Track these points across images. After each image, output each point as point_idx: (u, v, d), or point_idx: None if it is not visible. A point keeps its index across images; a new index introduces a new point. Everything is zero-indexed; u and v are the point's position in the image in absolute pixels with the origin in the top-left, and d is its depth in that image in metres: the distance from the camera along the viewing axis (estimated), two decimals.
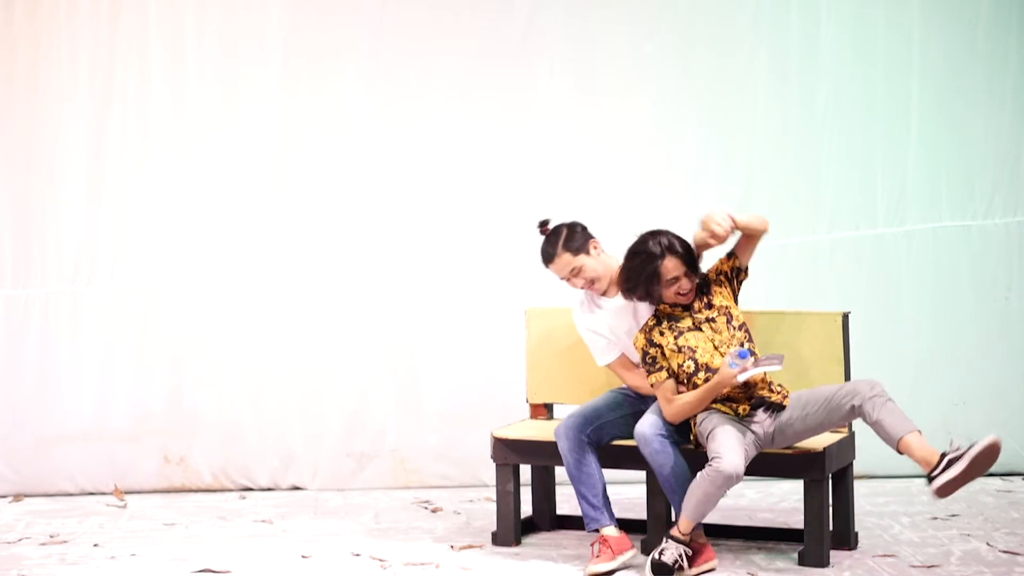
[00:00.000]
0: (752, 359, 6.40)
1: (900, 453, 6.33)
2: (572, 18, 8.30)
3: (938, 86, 8.35)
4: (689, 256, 6.54)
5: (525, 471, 7.29)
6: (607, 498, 6.78)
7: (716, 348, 6.55)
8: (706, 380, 6.51)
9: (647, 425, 6.60)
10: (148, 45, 8.28)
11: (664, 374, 6.58)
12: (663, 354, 6.60)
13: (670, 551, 6.46)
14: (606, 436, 6.83)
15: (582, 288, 6.86)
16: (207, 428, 8.35)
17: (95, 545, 7.23)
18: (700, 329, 6.58)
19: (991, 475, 8.29)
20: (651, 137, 8.33)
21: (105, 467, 8.29)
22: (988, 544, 6.97)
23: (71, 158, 8.28)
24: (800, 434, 6.57)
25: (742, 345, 6.55)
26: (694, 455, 6.64)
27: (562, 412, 7.46)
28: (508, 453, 7.08)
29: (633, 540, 6.80)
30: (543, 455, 7.08)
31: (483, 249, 8.35)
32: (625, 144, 8.35)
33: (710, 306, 6.61)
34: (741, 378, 6.38)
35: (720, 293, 6.65)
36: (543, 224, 6.97)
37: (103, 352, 8.32)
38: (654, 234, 6.57)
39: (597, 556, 6.65)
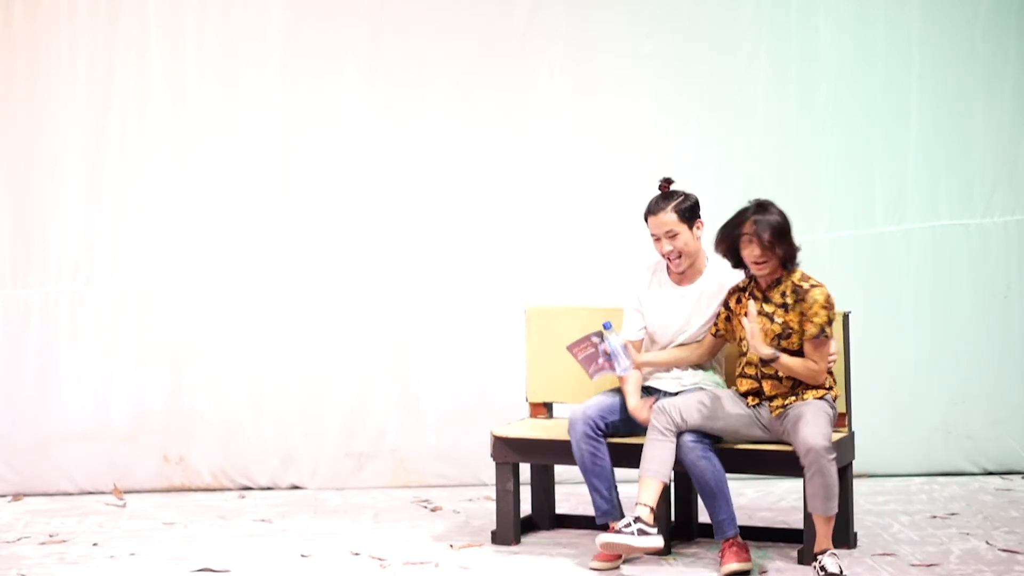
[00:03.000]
0: (608, 336, 6.64)
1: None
2: (572, 18, 8.31)
3: (937, 86, 8.35)
4: (776, 232, 6.55)
5: (525, 470, 7.29)
6: (618, 493, 6.79)
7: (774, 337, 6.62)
8: (746, 370, 6.68)
9: (690, 439, 6.63)
10: (148, 45, 8.28)
11: (711, 330, 6.77)
12: (727, 318, 6.72)
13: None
14: (620, 432, 6.83)
15: (665, 254, 6.82)
16: (206, 428, 8.35)
17: (94, 544, 7.23)
18: (769, 318, 6.62)
19: (990, 474, 8.32)
20: (651, 137, 8.34)
21: (105, 466, 8.30)
22: (987, 543, 6.97)
23: (71, 158, 8.28)
24: (786, 440, 6.68)
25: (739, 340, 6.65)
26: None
27: (562, 411, 7.46)
28: (508, 452, 7.08)
29: None
30: (543, 454, 7.08)
31: (483, 249, 8.35)
32: (625, 144, 8.35)
33: (784, 309, 6.62)
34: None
35: (795, 321, 6.62)
36: (667, 181, 6.93)
37: (103, 352, 8.32)
38: (761, 204, 6.66)
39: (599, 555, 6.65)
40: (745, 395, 6.71)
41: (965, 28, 8.34)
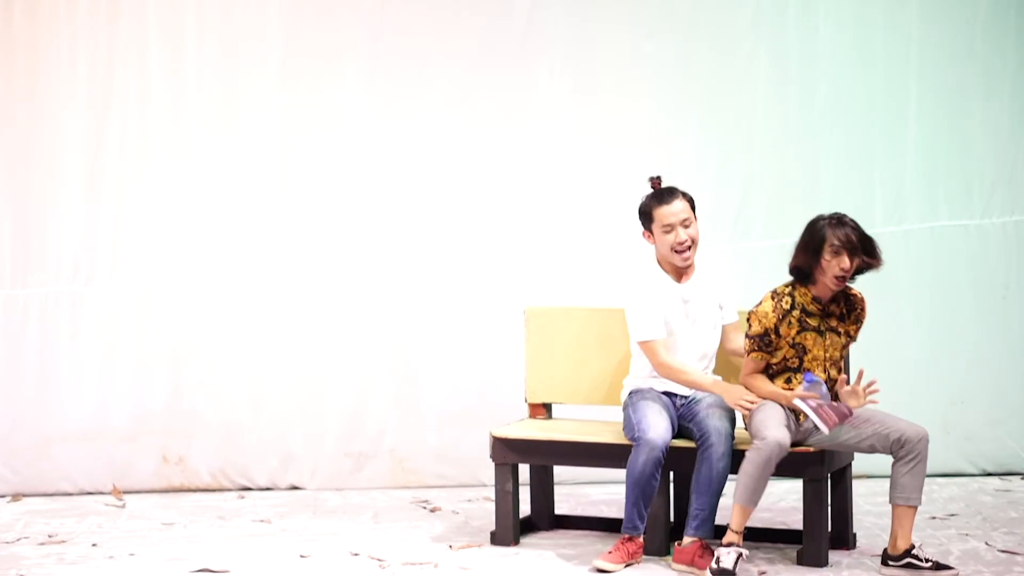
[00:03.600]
0: (818, 391, 6.47)
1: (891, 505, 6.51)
2: (572, 18, 8.31)
3: (936, 86, 8.35)
4: (863, 243, 6.50)
5: (524, 471, 7.29)
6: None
7: (826, 359, 6.57)
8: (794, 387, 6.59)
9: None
10: (148, 45, 8.28)
11: (759, 355, 6.62)
12: (772, 341, 6.59)
13: (728, 556, 6.44)
14: None
15: (681, 242, 6.79)
16: (206, 428, 8.35)
17: (94, 545, 7.23)
18: (822, 334, 6.58)
19: (989, 475, 8.32)
20: (651, 137, 8.33)
21: (104, 467, 8.30)
22: (987, 543, 6.97)
23: (71, 158, 8.28)
24: (846, 445, 6.63)
25: (831, 382, 6.61)
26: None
27: (561, 412, 7.46)
28: (507, 453, 7.07)
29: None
30: (542, 455, 7.08)
31: (482, 249, 8.35)
32: (625, 144, 8.35)
33: (843, 319, 6.61)
34: (797, 403, 6.48)
35: (854, 328, 6.65)
36: (656, 178, 6.94)
37: (102, 352, 8.32)
38: (837, 218, 6.56)
39: (610, 552, 6.67)
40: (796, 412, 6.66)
41: (964, 28, 8.34)
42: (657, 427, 6.68)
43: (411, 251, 8.36)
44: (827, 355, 6.59)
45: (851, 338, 6.68)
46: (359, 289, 8.35)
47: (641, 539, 6.73)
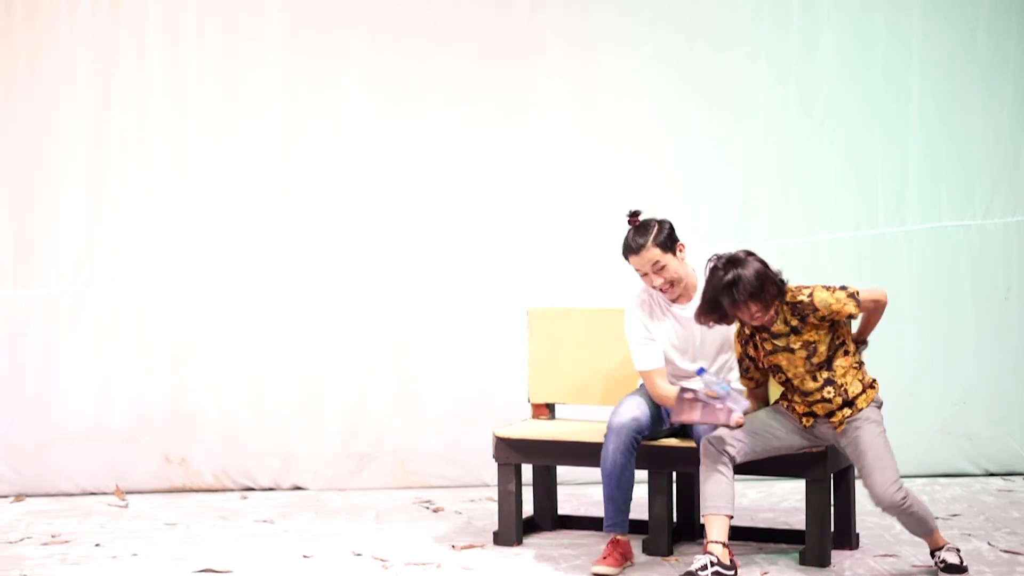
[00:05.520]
0: (708, 381, 6.44)
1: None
2: (572, 18, 8.31)
3: (938, 87, 8.36)
4: (758, 287, 6.26)
5: (527, 471, 7.29)
6: (630, 505, 6.76)
7: (805, 372, 6.44)
8: (794, 400, 6.52)
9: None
10: (148, 46, 8.28)
11: (745, 380, 6.61)
12: (756, 366, 6.56)
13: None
14: (646, 436, 6.77)
15: (657, 287, 6.69)
16: (208, 428, 8.35)
17: (96, 545, 7.23)
18: (790, 351, 6.44)
19: (992, 475, 8.33)
20: (651, 137, 8.34)
21: (106, 467, 8.30)
22: (989, 544, 6.98)
23: (71, 158, 8.28)
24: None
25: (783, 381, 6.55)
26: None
27: (564, 412, 7.47)
28: (510, 453, 7.08)
29: (633, 540, 6.84)
30: (545, 455, 7.08)
31: (484, 249, 8.35)
32: (625, 144, 8.35)
33: (797, 332, 6.42)
34: (685, 393, 6.45)
35: (815, 328, 6.42)
36: (634, 215, 6.73)
37: (103, 352, 8.32)
38: (732, 262, 6.30)
39: (604, 558, 6.63)
40: (800, 416, 6.58)
41: (965, 30, 8.35)
42: (624, 413, 6.61)
43: (412, 251, 8.36)
44: (804, 369, 6.44)
45: (816, 340, 6.39)
46: (361, 289, 8.35)
47: (627, 537, 6.68)
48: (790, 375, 6.45)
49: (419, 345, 8.36)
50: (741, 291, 6.23)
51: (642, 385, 6.85)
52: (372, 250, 8.35)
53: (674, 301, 6.75)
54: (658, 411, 6.77)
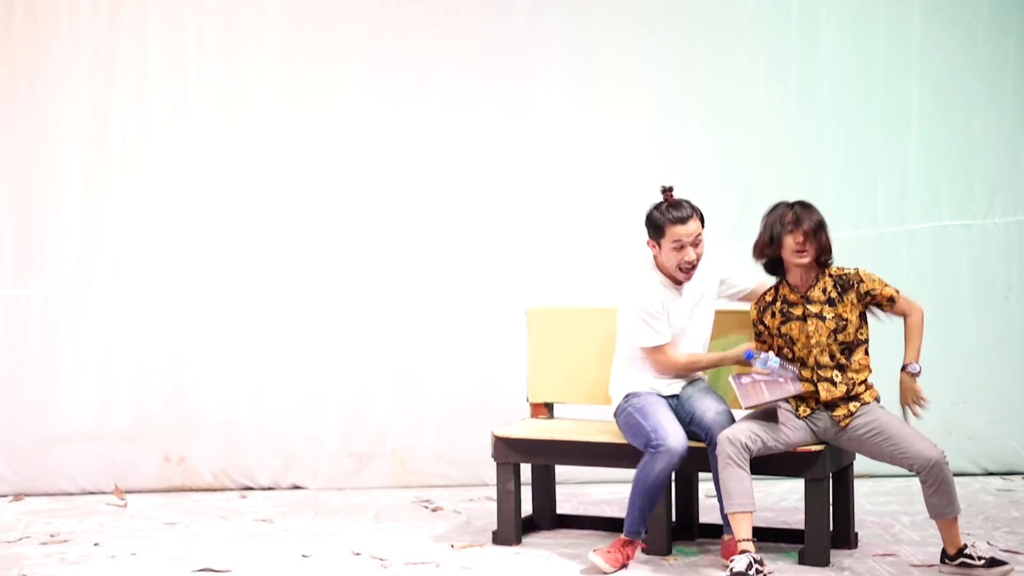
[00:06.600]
0: (761, 360, 6.50)
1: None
2: (572, 18, 8.31)
3: (938, 87, 8.36)
4: (819, 222, 6.56)
5: (526, 470, 7.29)
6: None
7: (813, 345, 6.55)
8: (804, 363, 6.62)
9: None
10: (148, 46, 8.28)
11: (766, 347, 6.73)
12: (762, 332, 6.69)
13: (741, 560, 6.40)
14: None
15: (690, 261, 6.73)
16: (207, 428, 8.35)
17: (95, 544, 7.24)
18: (805, 320, 6.57)
19: (991, 474, 8.33)
20: (651, 137, 8.34)
21: (105, 467, 8.30)
22: (988, 543, 6.98)
23: (71, 158, 8.29)
24: (864, 452, 6.64)
25: (779, 352, 6.62)
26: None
27: (563, 411, 7.47)
28: (509, 452, 7.08)
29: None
30: (544, 454, 7.08)
31: (483, 249, 8.35)
32: (625, 144, 8.35)
33: (833, 303, 6.59)
34: (730, 378, 6.52)
35: (852, 306, 6.60)
36: (669, 189, 6.82)
37: (104, 352, 8.32)
38: (802, 202, 6.65)
39: (608, 552, 6.64)
40: (799, 402, 6.65)
41: (965, 30, 8.34)
42: (677, 435, 6.63)
43: (412, 251, 8.36)
44: (813, 341, 6.55)
45: (847, 321, 6.55)
46: (360, 289, 8.35)
47: (637, 544, 6.72)
48: (801, 346, 6.56)
49: (419, 345, 8.36)
50: (813, 211, 6.56)
51: (651, 394, 6.85)
52: (372, 250, 8.35)
53: (678, 284, 6.80)
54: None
